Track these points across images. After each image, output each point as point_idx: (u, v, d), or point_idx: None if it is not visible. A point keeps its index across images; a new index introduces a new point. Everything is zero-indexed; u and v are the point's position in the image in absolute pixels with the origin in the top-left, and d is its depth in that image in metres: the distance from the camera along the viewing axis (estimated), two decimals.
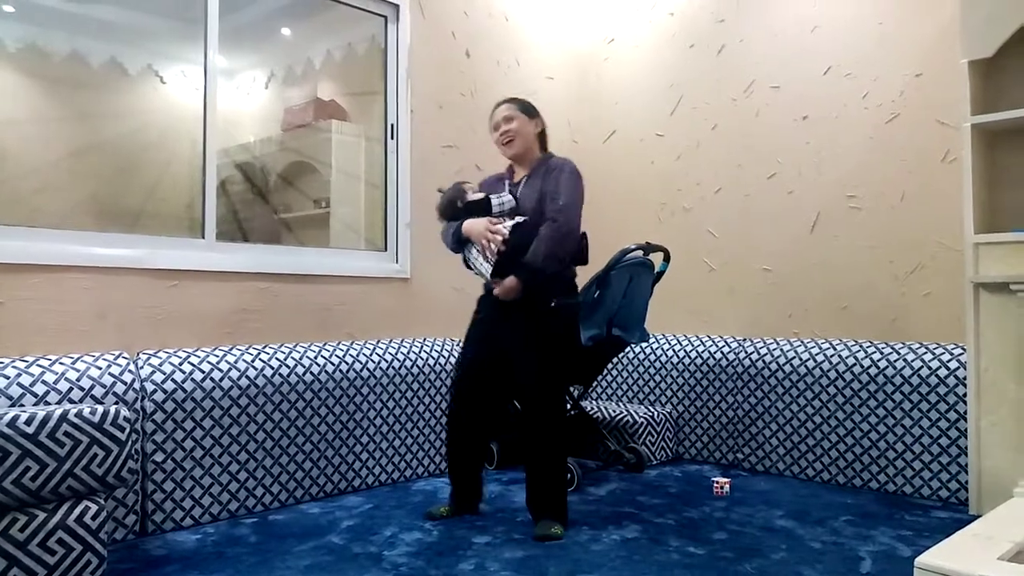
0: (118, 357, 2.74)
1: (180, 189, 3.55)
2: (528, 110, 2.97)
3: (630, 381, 4.34)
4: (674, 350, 4.14)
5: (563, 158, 2.95)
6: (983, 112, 2.99)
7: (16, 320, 2.65)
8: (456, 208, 2.90)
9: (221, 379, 2.94)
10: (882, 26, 3.58)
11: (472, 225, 2.78)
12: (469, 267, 2.97)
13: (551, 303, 2.83)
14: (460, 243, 2.86)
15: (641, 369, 4.29)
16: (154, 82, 3.79)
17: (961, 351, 3.18)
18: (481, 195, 2.91)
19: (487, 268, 2.75)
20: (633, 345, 4.10)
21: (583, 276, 3.09)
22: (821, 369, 3.54)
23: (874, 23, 3.60)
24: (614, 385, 4.43)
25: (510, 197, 2.88)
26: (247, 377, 3.01)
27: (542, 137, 3.02)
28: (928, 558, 2.13)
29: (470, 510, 3.01)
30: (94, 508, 2.24)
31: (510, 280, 2.75)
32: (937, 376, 3.21)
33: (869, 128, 3.62)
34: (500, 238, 2.72)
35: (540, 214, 2.81)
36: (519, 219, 2.79)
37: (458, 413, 2.98)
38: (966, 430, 3.09)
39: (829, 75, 3.75)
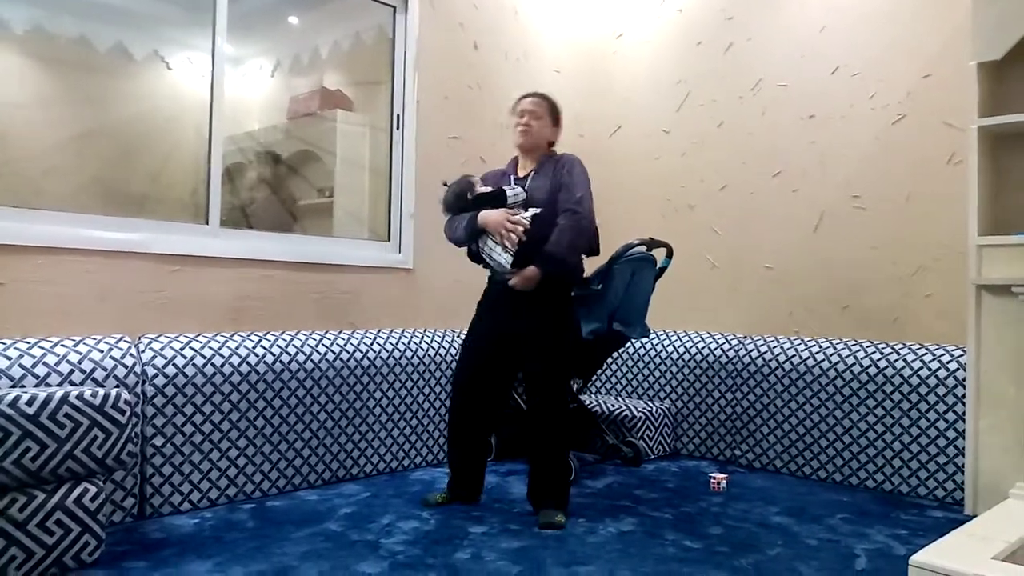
0: (120, 341, 2.75)
1: (185, 175, 3.55)
2: (556, 117, 3.00)
3: (629, 376, 4.35)
4: (674, 346, 4.15)
5: (570, 154, 2.96)
6: (990, 115, 2.98)
7: (18, 302, 2.66)
8: (465, 201, 2.89)
9: (222, 365, 2.95)
10: (892, 27, 3.57)
11: (489, 216, 2.77)
12: (476, 259, 2.97)
13: (572, 292, 2.87)
14: (474, 234, 2.84)
15: (641, 364, 4.29)
16: (160, 68, 3.79)
17: (961, 353, 3.19)
18: (489, 188, 2.91)
19: (506, 258, 2.74)
20: (633, 340, 4.11)
21: (589, 268, 3.10)
22: (821, 368, 3.54)
23: (883, 24, 3.59)
24: (613, 379, 4.44)
25: (521, 190, 2.88)
26: (248, 363, 3.02)
27: (552, 143, 3.03)
28: (923, 556, 2.14)
29: (471, 500, 3.02)
30: (93, 490, 2.25)
31: (531, 270, 2.75)
32: (936, 377, 3.22)
33: (875, 129, 3.61)
34: (521, 228, 2.72)
35: (553, 206, 2.82)
36: (536, 211, 2.80)
37: (462, 404, 2.98)
38: (964, 431, 3.09)
39: (837, 75, 3.74)
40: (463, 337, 3.06)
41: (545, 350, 2.82)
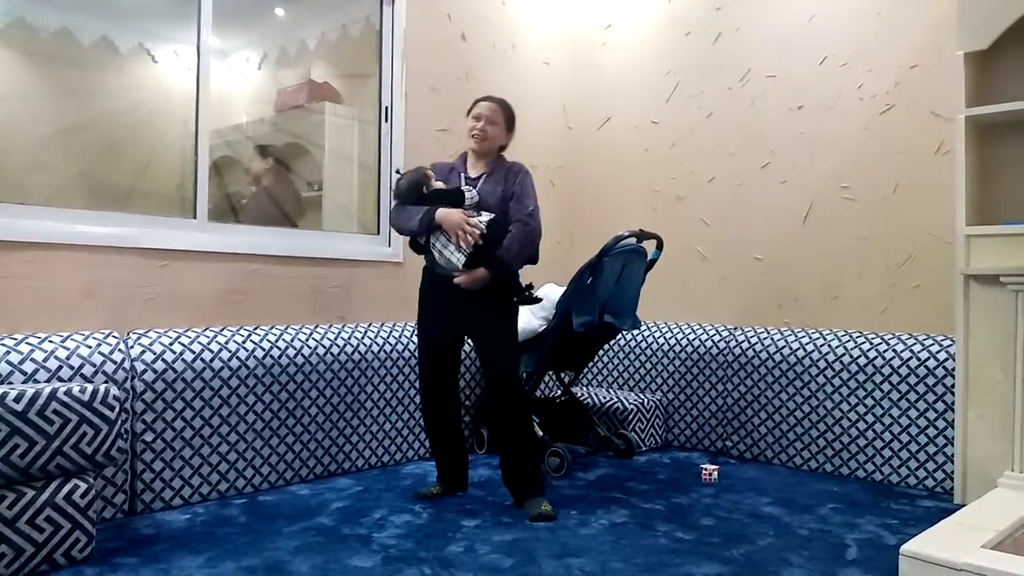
0: (108, 336, 2.73)
1: (172, 169, 3.52)
2: (511, 124, 3.04)
3: (621, 368, 4.35)
4: (665, 338, 4.16)
5: (520, 163, 3.01)
6: (977, 104, 3.00)
7: (4, 297, 2.63)
8: (420, 192, 2.90)
9: (211, 360, 2.93)
10: (879, 17, 3.57)
11: (448, 215, 2.79)
12: (419, 250, 2.98)
13: (514, 299, 2.92)
14: (428, 228, 2.85)
15: (632, 356, 4.30)
16: (146, 61, 3.75)
17: (950, 343, 3.20)
18: (442, 184, 2.93)
19: (459, 258, 2.79)
20: (624, 332, 4.12)
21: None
22: (811, 358, 3.56)
23: (871, 14, 3.60)
24: (605, 372, 4.45)
25: (475, 192, 2.90)
26: (238, 358, 3.00)
27: (504, 147, 3.06)
28: (913, 546, 2.16)
29: (459, 487, 3.06)
30: (83, 487, 2.24)
31: (481, 272, 2.80)
32: (926, 367, 3.24)
33: (864, 119, 3.62)
34: (478, 232, 2.75)
35: (503, 214, 2.88)
36: (490, 216, 2.84)
37: (434, 400, 3.02)
38: (953, 421, 3.11)
39: (825, 65, 3.74)
40: (417, 332, 3.07)
41: (507, 349, 2.91)
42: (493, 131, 2.96)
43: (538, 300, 3.03)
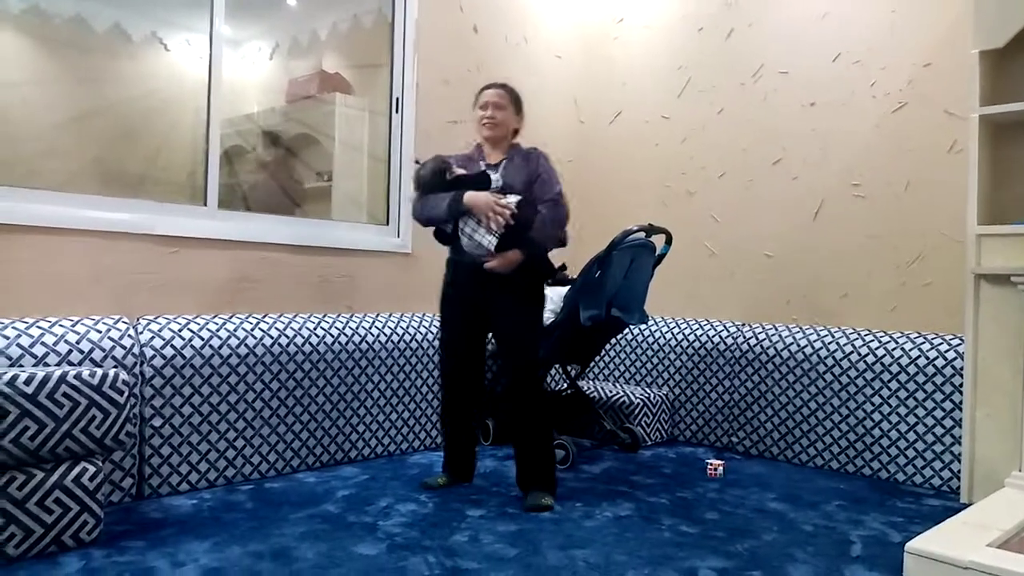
0: (118, 321, 2.74)
1: (183, 157, 3.54)
2: (518, 106, 3.02)
3: (628, 362, 4.35)
4: (672, 333, 4.15)
5: (537, 148, 3.00)
6: (992, 103, 2.98)
7: (15, 281, 2.65)
8: (442, 179, 2.88)
9: (220, 347, 2.94)
10: (893, 14, 3.55)
11: (476, 197, 2.77)
12: (444, 240, 2.96)
13: (556, 277, 2.93)
14: (456, 214, 2.83)
15: (639, 351, 4.30)
16: (158, 49, 3.77)
17: (959, 342, 3.19)
18: (463, 171, 2.92)
19: (491, 240, 2.75)
20: (632, 326, 4.11)
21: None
22: (819, 356, 3.55)
23: (885, 11, 3.58)
24: (611, 366, 4.45)
25: (498, 176, 2.89)
26: (246, 345, 3.02)
27: (516, 133, 3.05)
28: (919, 543, 2.15)
29: (466, 479, 3.07)
30: (92, 470, 2.25)
31: (514, 253, 2.77)
32: (934, 366, 3.23)
33: (876, 117, 3.60)
34: (508, 212, 2.73)
35: (528, 195, 2.86)
36: (518, 197, 2.81)
37: (453, 391, 3.01)
38: (960, 420, 3.10)
39: (838, 62, 3.73)
40: (440, 324, 3.05)
41: (520, 324, 2.87)
42: (502, 116, 2.94)
43: (573, 281, 3.02)
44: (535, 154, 2.96)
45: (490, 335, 3.02)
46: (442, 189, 2.87)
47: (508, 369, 2.94)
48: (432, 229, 3.02)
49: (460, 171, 2.92)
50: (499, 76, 4.22)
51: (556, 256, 3.02)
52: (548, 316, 3.50)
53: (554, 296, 3.47)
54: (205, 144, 3.25)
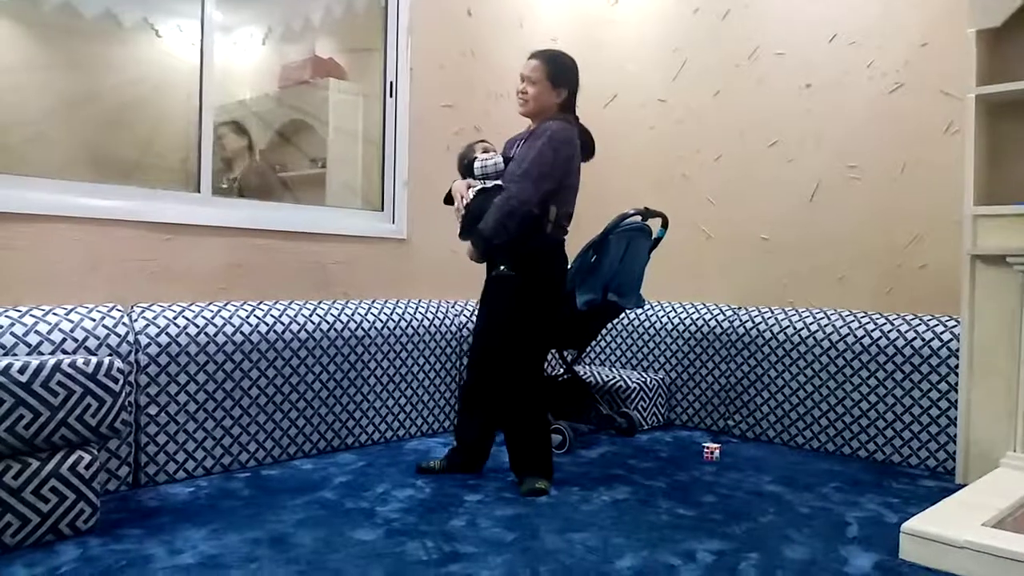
0: (112, 310, 2.73)
1: (176, 143, 3.51)
2: (556, 78, 2.84)
3: (624, 347, 4.35)
4: (668, 317, 4.15)
5: (554, 124, 2.79)
6: (988, 83, 2.96)
7: (8, 270, 2.64)
8: (467, 167, 2.94)
9: (215, 334, 2.94)
10: None
11: (454, 185, 2.81)
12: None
13: (493, 272, 2.84)
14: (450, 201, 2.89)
15: (635, 335, 4.29)
16: (150, 35, 3.72)
17: (955, 323, 3.19)
18: (476, 156, 2.92)
19: (458, 229, 2.79)
20: (628, 311, 4.11)
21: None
22: (815, 338, 3.55)
23: None
24: (608, 350, 4.45)
25: (499, 159, 2.85)
26: (241, 333, 3.01)
27: (566, 104, 2.90)
28: (914, 523, 2.16)
29: (474, 469, 3.02)
30: (88, 458, 2.25)
31: (467, 246, 2.81)
32: (930, 347, 3.23)
33: (872, 97, 3.59)
34: (464, 202, 2.73)
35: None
36: (487, 184, 2.80)
37: (472, 380, 2.99)
38: (956, 401, 3.11)
39: (834, 43, 3.70)
40: (471, 309, 3.07)
41: (486, 315, 2.88)
42: (534, 91, 2.82)
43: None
44: (539, 132, 2.78)
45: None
46: (466, 175, 2.92)
47: (492, 354, 2.86)
48: None
49: (482, 156, 2.87)
50: (493, 60, 4.23)
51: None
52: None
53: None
54: (198, 130, 3.23)
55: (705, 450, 3.35)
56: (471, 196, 2.77)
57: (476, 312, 3.07)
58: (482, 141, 3.00)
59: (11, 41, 3.27)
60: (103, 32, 3.49)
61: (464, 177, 2.93)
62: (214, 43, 3.26)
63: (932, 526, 2.13)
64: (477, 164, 2.84)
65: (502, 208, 2.70)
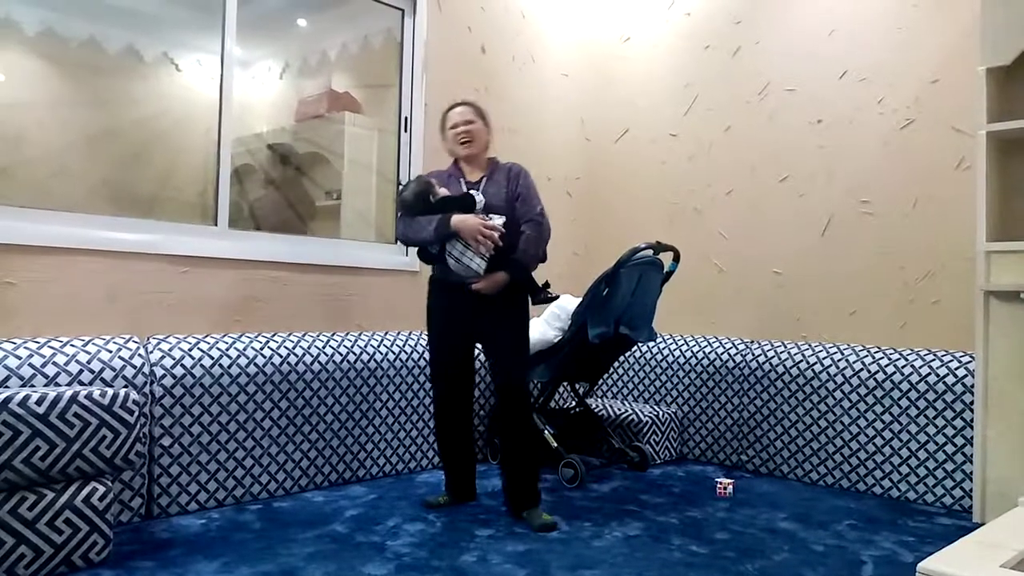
0: (128, 341, 2.76)
1: (194, 176, 3.56)
2: (486, 118, 3.03)
3: (636, 380, 4.34)
4: (681, 350, 4.14)
5: (517, 164, 2.99)
6: (999, 120, 2.98)
7: (28, 301, 2.68)
8: (426, 202, 2.86)
9: (230, 366, 2.96)
10: (900, 31, 3.56)
11: (464, 221, 2.76)
12: (430, 260, 2.94)
13: (534, 300, 2.92)
14: (443, 237, 2.81)
15: (647, 368, 4.29)
16: (170, 70, 3.80)
17: (969, 359, 3.18)
18: (446, 191, 2.89)
19: (480, 264, 2.77)
20: (640, 344, 4.11)
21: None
22: (828, 373, 3.53)
23: (892, 28, 3.59)
24: (620, 383, 4.44)
25: (481, 196, 2.88)
26: (255, 365, 3.03)
27: (488, 144, 3.07)
28: (930, 563, 2.13)
29: (468, 497, 3.08)
30: (101, 490, 2.26)
31: (501, 275, 2.81)
32: (944, 383, 3.21)
33: (883, 133, 3.61)
34: (497, 235, 2.75)
35: (511, 214, 2.86)
36: (502, 218, 2.82)
37: (448, 407, 3.02)
38: (972, 438, 3.08)
39: (845, 79, 3.74)
40: (428, 344, 3.05)
41: (508, 342, 2.90)
42: (476, 128, 2.95)
43: (556, 297, 3.02)
44: (515, 171, 2.96)
45: (479, 354, 3.04)
46: (426, 211, 2.85)
47: (499, 388, 2.93)
48: (418, 249, 3.04)
49: (443, 192, 2.89)
50: (506, 95, 4.28)
51: (539, 273, 3.01)
52: (555, 334, 3.50)
53: (562, 314, 3.47)
54: (216, 164, 3.28)
55: (718, 485, 3.32)
56: (502, 230, 2.78)
57: (476, 338, 3.02)
58: (425, 176, 2.98)
59: (39, 78, 3.35)
60: (125, 67, 3.57)
61: (414, 213, 2.87)
62: (233, 77, 3.33)
63: (949, 567, 2.10)
64: (478, 199, 2.84)
65: (540, 239, 2.89)
